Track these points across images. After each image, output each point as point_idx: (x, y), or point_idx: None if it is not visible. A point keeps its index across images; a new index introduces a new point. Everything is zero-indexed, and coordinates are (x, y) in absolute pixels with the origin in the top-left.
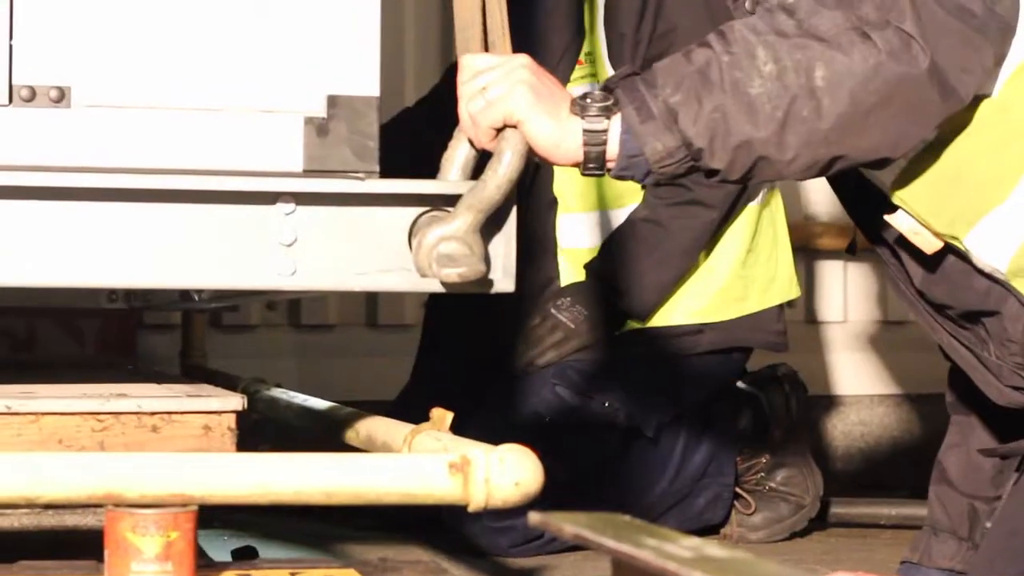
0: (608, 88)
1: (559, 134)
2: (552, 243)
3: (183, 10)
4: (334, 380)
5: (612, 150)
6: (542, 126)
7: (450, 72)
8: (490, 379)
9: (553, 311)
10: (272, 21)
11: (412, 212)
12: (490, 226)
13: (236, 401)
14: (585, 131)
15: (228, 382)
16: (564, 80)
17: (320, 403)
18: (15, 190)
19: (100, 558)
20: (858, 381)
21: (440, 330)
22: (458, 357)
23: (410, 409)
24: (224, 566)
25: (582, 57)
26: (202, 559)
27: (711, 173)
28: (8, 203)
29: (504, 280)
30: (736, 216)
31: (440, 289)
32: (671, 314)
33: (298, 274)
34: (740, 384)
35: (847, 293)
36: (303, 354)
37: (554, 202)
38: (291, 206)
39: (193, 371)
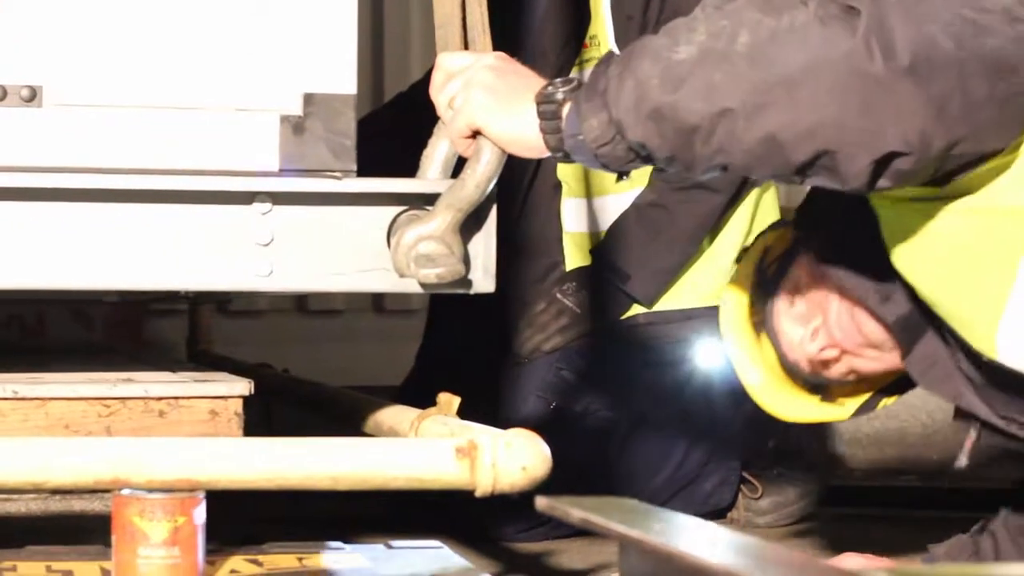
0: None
1: (518, 128)
2: (557, 227)
3: (156, 8)
4: (341, 365)
5: (563, 127)
6: (500, 125)
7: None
8: (496, 364)
9: (559, 296)
10: (247, 18)
11: (390, 211)
12: (470, 225)
13: (243, 386)
14: (540, 118)
15: (235, 367)
16: (569, 63)
17: (327, 388)
18: None
19: (107, 543)
20: None
21: (446, 315)
22: (464, 342)
23: (416, 394)
24: (231, 551)
25: (587, 40)
26: (209, 543)
27: (647, 159)
28: None
29: (484, 280)
30: (741, 200)
31: (419, 290)
32: (677, 298)
33: (275, 274)
34: None
35: None
36: (310, 339)
37: (559, 186)
38: (267, 206)
39: (200, 357)
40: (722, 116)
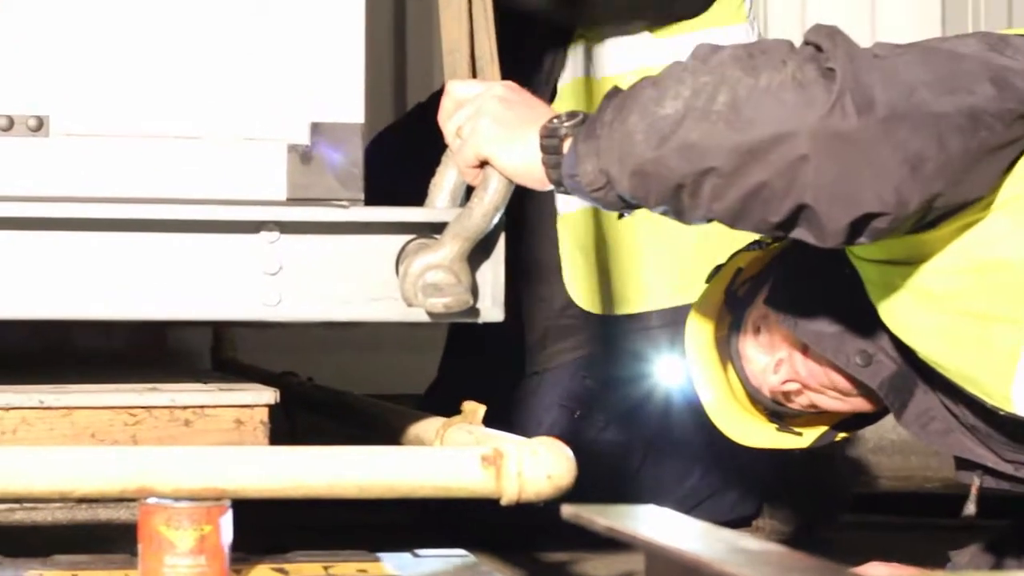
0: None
1: (524, 160)
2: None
3: (163, 38)
4: (365, 374)
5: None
6: (507, 156)
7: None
8: (519, 372)
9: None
10: (254, 48)
11: (398, 240)
12: (478, 254)
13: (268, 395)
14: (543, 152)
15: (260, 376)
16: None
17: (351, 396)
18: None
19: (134, 552)
20: None
21: (469, 325)
22: (487, 350)
23: (441, 402)
24: (257, 559)
25: None
26: (235, 552)
27: (641, 206)
28: None
29: (493, 309)
30: None
31: (427, 319)
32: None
33: (283, 304)
34: None
35: None
36: (334, 348)
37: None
38: (275, 235)
39: (225, 365)
40: (704, 175)
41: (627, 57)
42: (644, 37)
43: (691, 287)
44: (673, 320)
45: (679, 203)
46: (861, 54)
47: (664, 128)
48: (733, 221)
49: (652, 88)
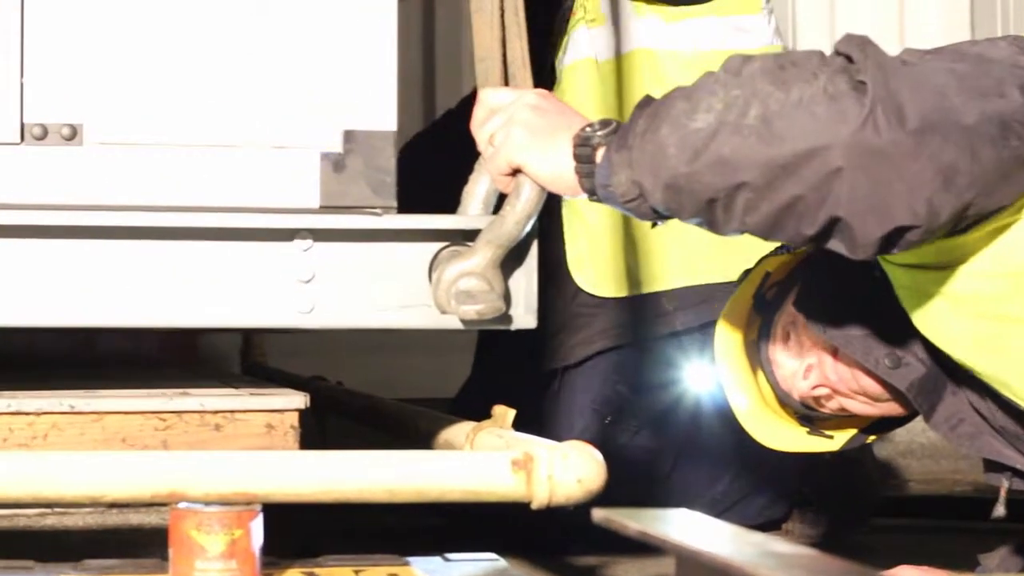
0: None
1: (556, 168)
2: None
3: (197, 46)
4: (395, 378)
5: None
6: (539, 164)
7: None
8: (549, 375)
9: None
10: (287, 56)
11: (431, 247)
12: (511, 260)
13: (299, 399)
14: (576, 160)
15: (289, 380)
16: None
17: (381, 401)
18: (28, 229)
19: (165, 556)
20: None
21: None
22: (516, 354)
23: (471, 406)
24: (288, 563)
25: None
26: (266, 556)
27: (675, 217)
28: (21, 242)
29: (526, 316)
30: None
31: (460, 326)
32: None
33: (316, 311)
34: None
35: None
36: (364, 352)
37: None
38: (308, 242)
39: (254, 369)
40: (737, 189)
41: (633, 39)
42: (652, 20)
43: (699, 265)
44: (686, 303)
45: (712, 216)
46: (891, 64)
47: (697, 142)
48: (767, 234)
49: (684, 101)
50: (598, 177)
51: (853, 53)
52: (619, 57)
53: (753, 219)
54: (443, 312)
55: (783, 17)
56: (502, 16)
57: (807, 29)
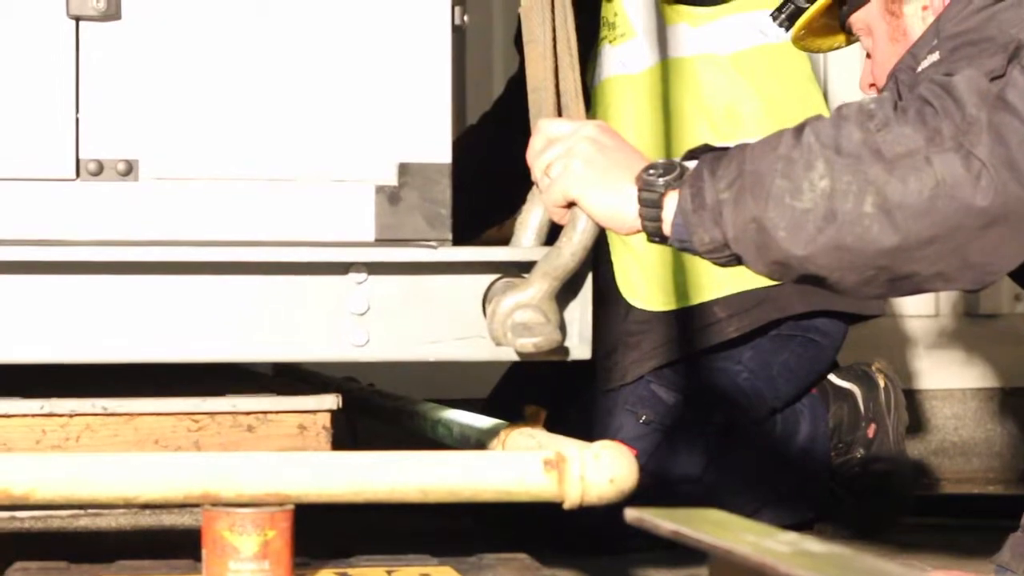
0: (688, 157)
1: (615, 207)
2: None
3: (251, 81)
4: (426, 378)
5: (667, 229)
6: (597, 200)
7: (514, 83)
8: (583, 376)
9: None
10: (342, 90)
11: (486, 279)
12: (565, 291)
13: (331, 400)
14: (640, 204)
15: (321, 381)
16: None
17: (412, 401)
18: (84, 265)
19: (198, 557)
20: (950, 375)
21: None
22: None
23: (503, 407)
24: (321, 564)
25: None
26: (298, 557)
27: None
28: (78, 279)
29: (580, 347)
30: None
31: (515, 358)
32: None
33: (371, 344)
34: (834, 378)
35: None
36: None
37: None
38: (363, 275)
39: (285, 371)
40: (854, 270)
41: (666, 49)
42: (682, 27)
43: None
44: (738, 309)
45: (822, 285)
46: (999, 122)
47: (809, 227)
48: (873, 298)
49: (782, 177)
50: (673, 233)
51: (951, 109)
52: (653, 68)
53: (867, 290)
54: (498, 344)
55: None
56: (555, 47)
57: None
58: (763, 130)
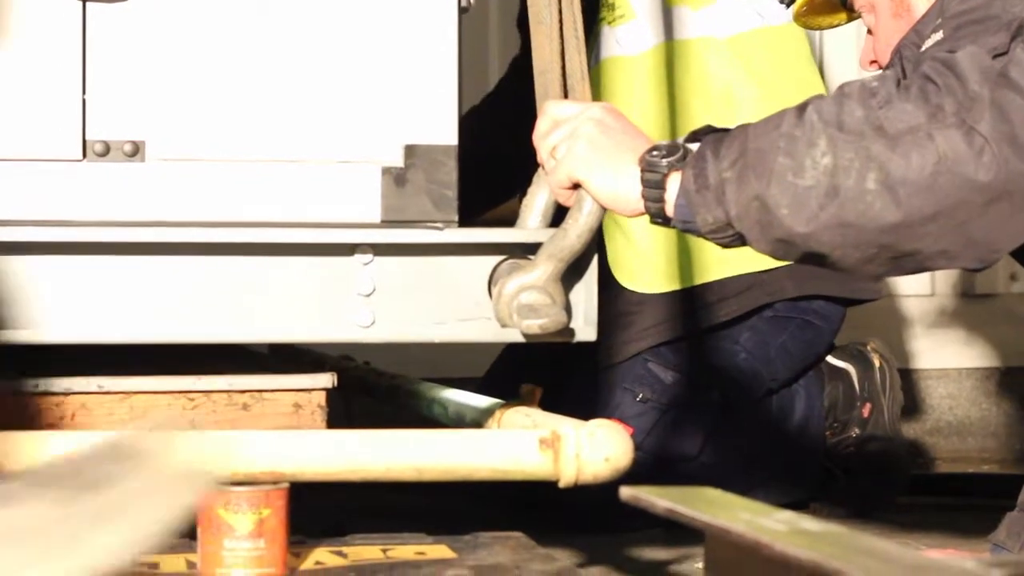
0: (691, 139)
1: (619, 189)
2: None
3: (257, 62)
4: (422, 357)
5: (670, 210)
6: (601, 183)
7: (515, 65)
8: (579, 355)
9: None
10: (348, 71)
11: (491, 261)
12: (571, 273)
13: (326, 379)
14: (643, 185)
15: (317, 360)
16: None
17: (408, 380)
18: (90, 246)
19: (192, 535)
20: (946, 355)
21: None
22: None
23: (499, 385)
24: (316, 542)
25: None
26: (294, 535)
27: None
28: (84, 259)
29: (586, 329)
30: None
31: (521, 339)
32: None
33: (376, 325)
34: (829, 358)
35: None
36: None
37: None
38: (369, 256)
39: (281, 350)
40: (859, 247)
41: (666, 31)
42: (682, 9)
43: (737, 255)
44: (730, 293)
45: (823, 264)
46: (999, 97)
47: (811, 204)
48: (876, 277)
49: (784, 155)
50: (676, 214)
51: (953, 86)
52: (653, 50)
53: (870, 268)
54: (504, 326)
55: None
56: (561, 29)
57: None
58: (760, 114)
